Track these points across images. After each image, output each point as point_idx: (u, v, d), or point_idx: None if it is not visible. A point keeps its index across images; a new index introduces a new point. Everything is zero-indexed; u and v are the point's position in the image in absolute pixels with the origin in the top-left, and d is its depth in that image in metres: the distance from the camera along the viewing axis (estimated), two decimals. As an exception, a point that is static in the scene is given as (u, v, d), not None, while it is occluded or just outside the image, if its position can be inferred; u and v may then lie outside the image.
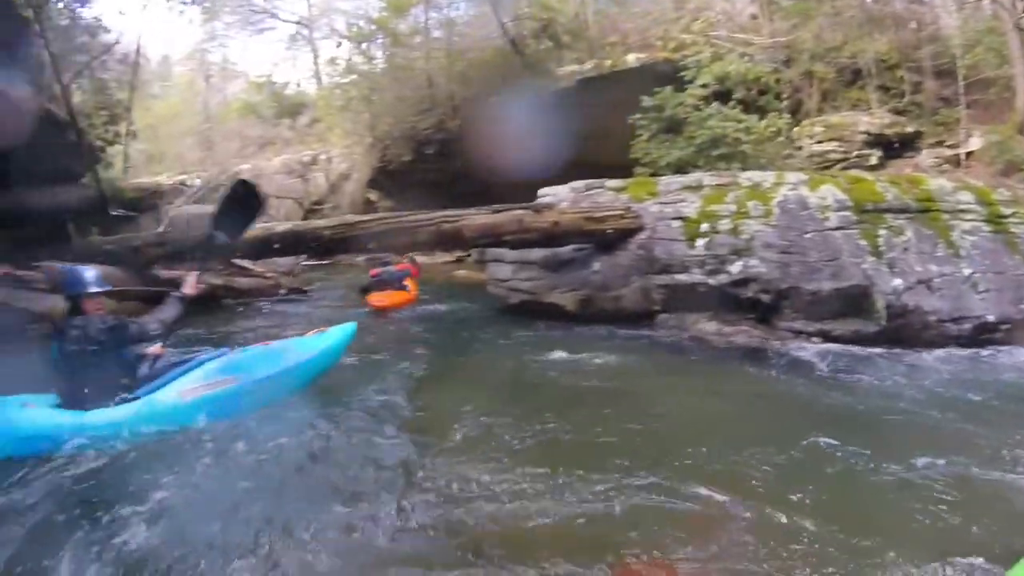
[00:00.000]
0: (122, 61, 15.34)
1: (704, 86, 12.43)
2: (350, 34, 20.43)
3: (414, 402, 4.75)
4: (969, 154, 11.83)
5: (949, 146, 12.27)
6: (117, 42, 12.77)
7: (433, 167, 17.50)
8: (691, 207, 7.37)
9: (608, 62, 14.64)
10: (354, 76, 19.96)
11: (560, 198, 8.42)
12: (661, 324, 7.08)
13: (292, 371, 4.58)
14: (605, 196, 8.22)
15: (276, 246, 8.12)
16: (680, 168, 11.34)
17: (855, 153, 12.48)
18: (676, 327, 6.94)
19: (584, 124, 15.30)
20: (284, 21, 29.63)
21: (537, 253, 8.30)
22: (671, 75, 13.08)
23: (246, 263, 10.87)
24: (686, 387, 5.39)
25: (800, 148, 12.73)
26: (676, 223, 7.25)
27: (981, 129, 11.90)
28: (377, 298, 9.62)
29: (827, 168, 11.92)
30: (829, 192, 7.35)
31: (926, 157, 12.25)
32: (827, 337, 6.60)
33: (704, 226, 7.14)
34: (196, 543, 2.76)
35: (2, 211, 8.25)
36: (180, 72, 36.23)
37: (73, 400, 3.91)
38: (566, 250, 7.94)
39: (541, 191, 9.06)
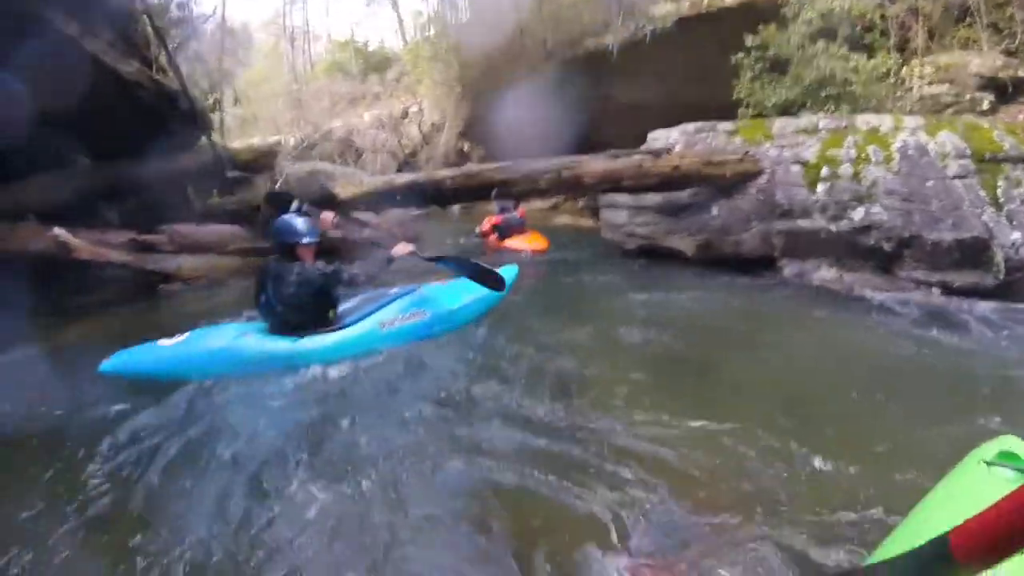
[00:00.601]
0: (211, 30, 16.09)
1: (808, 23, 11.88)
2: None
3: (562, 337, 5.23)
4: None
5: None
6: (214, 11, 13.13)
7: (527, 113, 17.60)
8: (810, 151, 7.32)
9: (705, 0, 14.26)
10: (440, 28, 20.05)
11: (671, 141, 8.53)
12: (781, 270, 7.17)
13: (470, 306, 5.44)
14: (717, 139, 8.26)
15: (398, 197, 8.57)
16: (785, 109, 11.10)
17: (968, 96, 11.80)
18: (797, 273, 7.02)
19: (683, 65, 15.19)
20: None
21: (653, 198, 8.47)
22: (772, 12, 12.54)
23: (362, 216, 11.39)
24: (811, 336, 5.49)
25: (909, 90, 12.18)
26: (795, 167, 7.24)
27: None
28: (521, 241, 10.09)
29: (938, 112, 11.34)
30: (948, 139, 7.20)
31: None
32: (947, 288, 6.55)
33: (825, 171, 7.09)
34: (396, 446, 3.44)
35: (126, 180, 8.88)
36: (261, 38, 37.08)
37: (284, 329, 4.60)
38: (683, 195, 8.08)
39: (651, 134, 9.17)
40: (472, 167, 8.74)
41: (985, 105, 11.62)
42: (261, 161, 13.31)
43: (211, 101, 12.46)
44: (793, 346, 5.20)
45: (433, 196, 8.61)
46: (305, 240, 4.67)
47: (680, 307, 6.22)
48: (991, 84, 11.83)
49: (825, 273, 6.94)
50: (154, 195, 9.46)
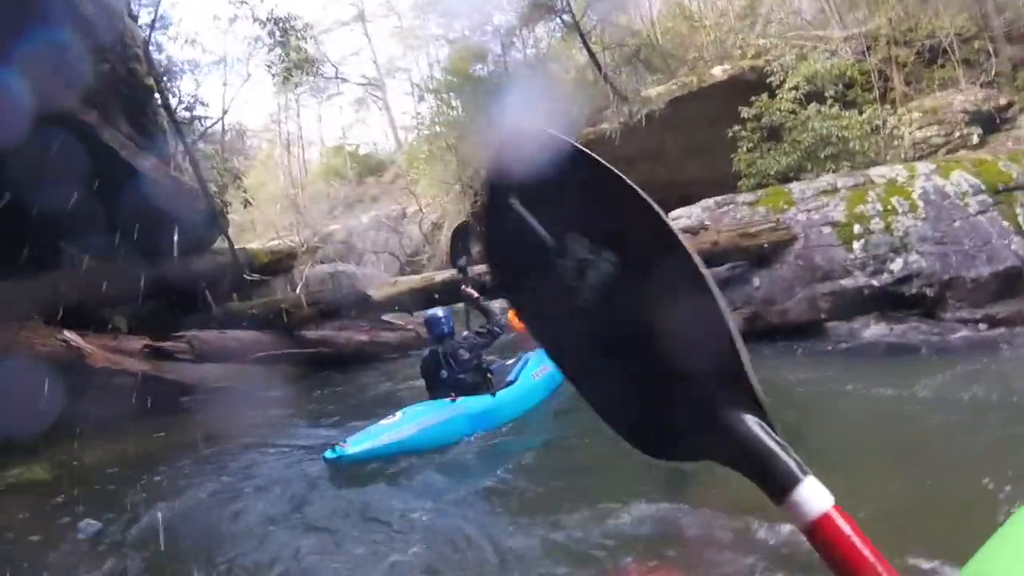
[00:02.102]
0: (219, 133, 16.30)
1: (795, 88, 12.36)
2: (430, 87, 21.31)
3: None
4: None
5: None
6: (225, 111, 13.22)
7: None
8: (837, 211, 7.50)
9: (693, 79, 14.89)
10: (437, 127, 20.71)
11: (695, 218, 8.67)
12: (830, 332, 7.16)
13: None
14: (740, 211, 8.41)
15: (437, 296, 8.40)
16: (785, 175, 11.44)
17: (957, 134, 12.21)
18: (846, 333, 7.03)
19: (676, 145, 15.72)
20: (356, 84, 30.98)
21: None
22: (758, 83, 13.12)
23: (390, 318, 10.84)
24: (873, 392, 5.34)
25: (900, 137, 12.55)
26: (827, 229, 7.39)
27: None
28: None
29: (932, 154, 11.73)
30: (961, 178, 7.51)
31: (1024, 127, 11.91)
32: (992, 322, 6.62)
33: (857, 228, 7.25)
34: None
35: (139, 281, 8.16)
36: (256, 144, 38.03)
37: (462, 393, 5.21)
38: (720, 269, 8.03)
39: (672, 214, 9.32)
40: None
41: (975, 139, 12.05)
42: (280, 263, 13.10)
43: (221, 202, 12.21)
44: (857, 404, 5.14)
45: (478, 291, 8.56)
46: (445, 330, 5.53)
47: None
48: (977, 118, 12.22)
49: (874, 328, 6.97)
50: (168, 299, 9.20)
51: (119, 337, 7.77)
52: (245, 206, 12.91)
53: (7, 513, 4.52)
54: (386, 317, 10.75)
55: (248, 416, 6.82)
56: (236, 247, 11.27)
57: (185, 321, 8.69)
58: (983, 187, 7.41)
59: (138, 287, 8.10)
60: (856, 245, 7.17)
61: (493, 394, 5.34)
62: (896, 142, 12.10)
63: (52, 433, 5.58)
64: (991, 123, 12.30)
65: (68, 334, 6.66)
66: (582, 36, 15.22)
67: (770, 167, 12.05)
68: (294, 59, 11.25)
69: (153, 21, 10.57)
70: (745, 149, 12.58)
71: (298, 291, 12.33)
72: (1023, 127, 11.93)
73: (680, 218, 9.01)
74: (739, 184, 12.06)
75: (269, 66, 11.67)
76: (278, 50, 11.23)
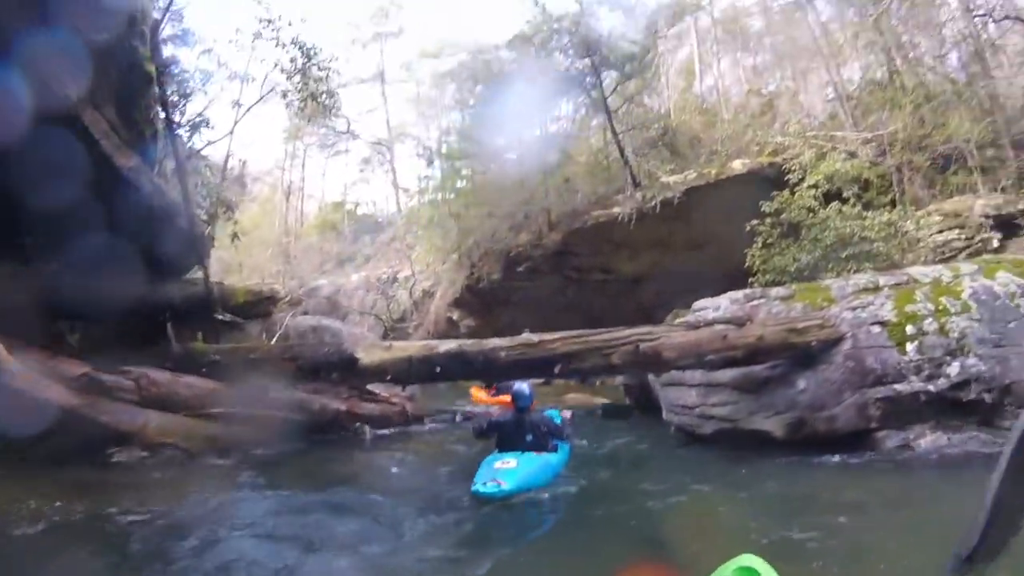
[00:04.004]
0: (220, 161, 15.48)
1: (814, 186, 12.24)
2: (444, 152, 21.10)
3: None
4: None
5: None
6: (231, 131, 12.40)
7: (527, 284, 17.49)
8: (885, 309, 7.00)
9: (712, 170, 14.70)
10: (444, 193, 20.39)
11: (726, 309, 8.04)
12: (880, 442, 6.49)
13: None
14: (772, 306, 7.83)
15: (438, 369, 7.35)
16: (801, 274, 11.12)
17: (977, 238, 12.10)
18: (900, 445, 6.36)
19: (685, 233, 15.40)
20: (366, 141, 30.70)
21: (726, 374, 7.47)
22: (776, 179, 13.06)
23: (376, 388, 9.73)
24: (941, 512, 4.64)
25: (919, 240, 12.32)
26: (876, 328, 6.82)
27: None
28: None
29: (952, 257, 11.47)
30: (1009, 279, 7.19)
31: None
32: None
33: (910, 328, 6.76)
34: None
35: (95, 298, 7.13)
36: (258, 188, 37.79)
37: (526, 450, 6.15)
38: (760, 368, 7.28)
39: (696, 304, 8.70)
40: (531, 337, 7.29)
41: (995, 243, 11.93)
42: (258, 306, 11.89)
43: (207, 232, 11.09)
44: (925, 528, 4.39)
45: (481, 369, 7.57)
46: (527, 404, 6.55)
47: (788, 506, 5.30)
48: (997, 222, 12.18)
49: (930, 439, 6.37)
50: (128, 326, 7.99)
51: (58, 357, 6.67)
52: (233, 240, 11.91)
53: None
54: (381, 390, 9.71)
55: (187, 491, 5.65)
56: (213, 280, 10.39)
57: (138, 354, 7.51)
58: (1032, 288, 7.11)
59: (96, 301, 7.08)
60: (910, 347, 6.62)
61: (555, 450, 6.43)
62: (919, 244, 11.81)
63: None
64: (1010, 227, 12.25)
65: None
66: (608, 114, 15.05)
67: (788, 264, 11.71)
68: (312, 89, 10.67)
69: (169, 4, 9.77)
70: (761, 244, 12.25)
71: (275, 341, 11.27)
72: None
73: (705, 309, 8.43)
74: (751, 281, 11.72)
75: (285, 94, 11.11)
76: (297, 78, 10.67)
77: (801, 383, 6.97)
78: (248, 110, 11.70)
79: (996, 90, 14.55)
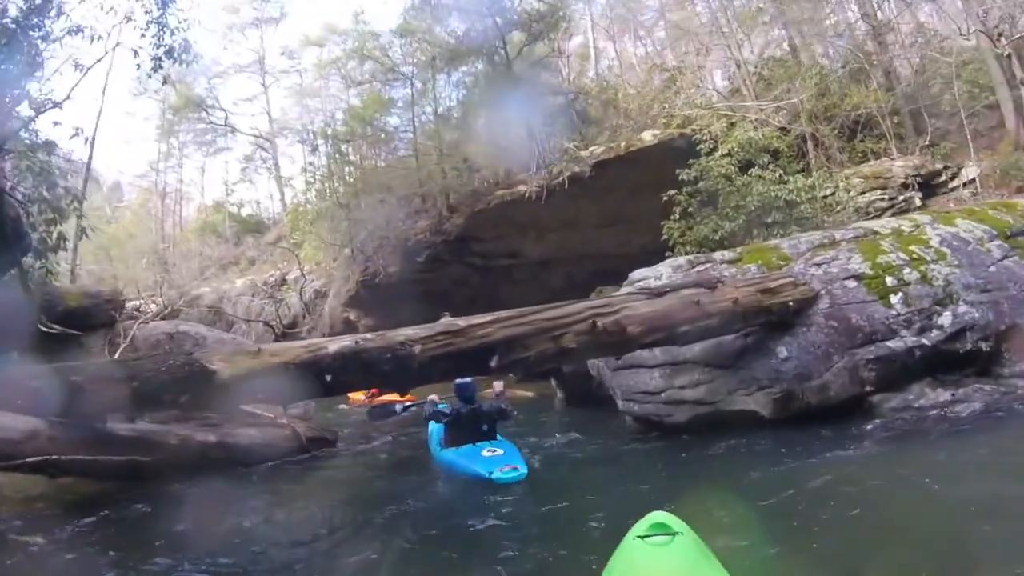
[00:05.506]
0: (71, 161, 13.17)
1: (728, 155, 11.94)
2: (331, 134, 19.33)
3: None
4: (970, 182, 12.37)
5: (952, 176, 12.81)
6: (67, 98, 9.90)
7: (428, 275, 16.12)
8: (855, 263, 6.31)
9: (621, 142, 13.90)
10: (331, 182, 18.72)
11: (668, 277, 6.96)
12: (877, 407, 5.67)
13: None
14: (719, 271, 6.90)
15: (328, 377, 4.95)
16: (723, 244, 10.73)
17: (900, 198, 12.33)
18: (900, 407, 5.57)
19: (593, 212, 14.57)
20: (246, 134, 28.55)
21: (691, 349, 6.38)
22: (688, 149, 12.51)
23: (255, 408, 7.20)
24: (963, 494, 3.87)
25: (840, 203, 12.13)
26: (851, 282, 6.09)
27: (984, 155, 12.63)
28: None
29: (876, 217, 11.34)
30: (971, 225, 7.10)
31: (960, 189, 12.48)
32: None
33: (889, 280, 6.09)
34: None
35: None
36: (132, 196, 34.88)
37: (480, 440, 6.11)
38: (730, 339, 6.21)
39: (634, 274, 7.56)
40: (454, 322, 5.48)
41: (917, 202, 12.22)
42: (97, 313, 9.63)
43: (54, 237, 9.03)
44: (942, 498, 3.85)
45: (390, 372, 5.17)
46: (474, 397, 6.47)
47: (785, 499, 4.16)
48: (915, 183, 12.54)
49: (931, 397, 5.67)
50: None
51: None
52: (81, 237, 10.21)
53: None
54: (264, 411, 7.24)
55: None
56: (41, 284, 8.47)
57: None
58: (995, 233, 6.94)
59: None
60: (895, 299, 5.98)
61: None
62: (840, 207, 11.84)
63: None
64: (928, 188, 12.65)
65: None
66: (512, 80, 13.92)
67: (710, 233, 11.39)
68: (169, 42, 8.64)
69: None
70: (680, 215, 11.83)
71: (117, 355, 8.81)
72: (959, 189, 12.40)
73: (647, 279, 7.28)
74: (667, 255, 10.94)
75: (136, 52, 8.99)
76: (152, 29, 8.64)
77: (782, 351, 6.01)
78: (88, 71, 9.56)
79: (892, 65, 15.33)
